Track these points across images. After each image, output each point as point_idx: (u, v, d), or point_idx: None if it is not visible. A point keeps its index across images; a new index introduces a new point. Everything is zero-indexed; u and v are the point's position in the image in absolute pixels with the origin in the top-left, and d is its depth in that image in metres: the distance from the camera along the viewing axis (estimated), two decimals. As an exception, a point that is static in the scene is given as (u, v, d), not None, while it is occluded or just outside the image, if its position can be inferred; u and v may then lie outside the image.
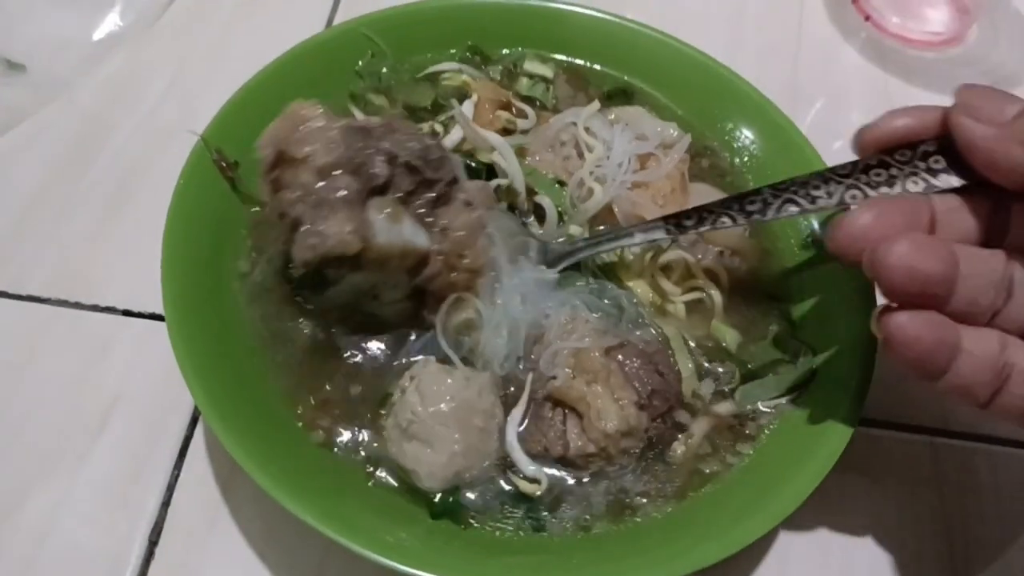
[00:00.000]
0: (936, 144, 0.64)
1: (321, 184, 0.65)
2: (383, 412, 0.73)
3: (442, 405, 0.68)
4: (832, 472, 0.79)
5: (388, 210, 0.67)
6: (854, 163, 0.67)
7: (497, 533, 0.68)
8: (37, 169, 0.96)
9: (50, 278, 0.88)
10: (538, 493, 0.69)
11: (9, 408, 0.79)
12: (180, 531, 0.74)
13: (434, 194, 0.70)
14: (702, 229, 0.72)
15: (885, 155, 0.66)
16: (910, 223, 0.60)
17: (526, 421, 0.72)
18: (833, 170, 0.68)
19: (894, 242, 0.55)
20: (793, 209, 0.68)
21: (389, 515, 0.67)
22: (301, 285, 0.73)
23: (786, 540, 0.77)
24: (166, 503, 0.75)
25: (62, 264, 0.89)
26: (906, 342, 0.56)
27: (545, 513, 0.69)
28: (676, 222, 0.73)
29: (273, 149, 0.67)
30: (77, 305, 0.86)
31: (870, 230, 0.58)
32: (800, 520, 0.77)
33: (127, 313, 0.86)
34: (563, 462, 0.71)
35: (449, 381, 0.70)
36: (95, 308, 0.86)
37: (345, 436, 0.72)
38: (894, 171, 0.65)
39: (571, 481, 0.71)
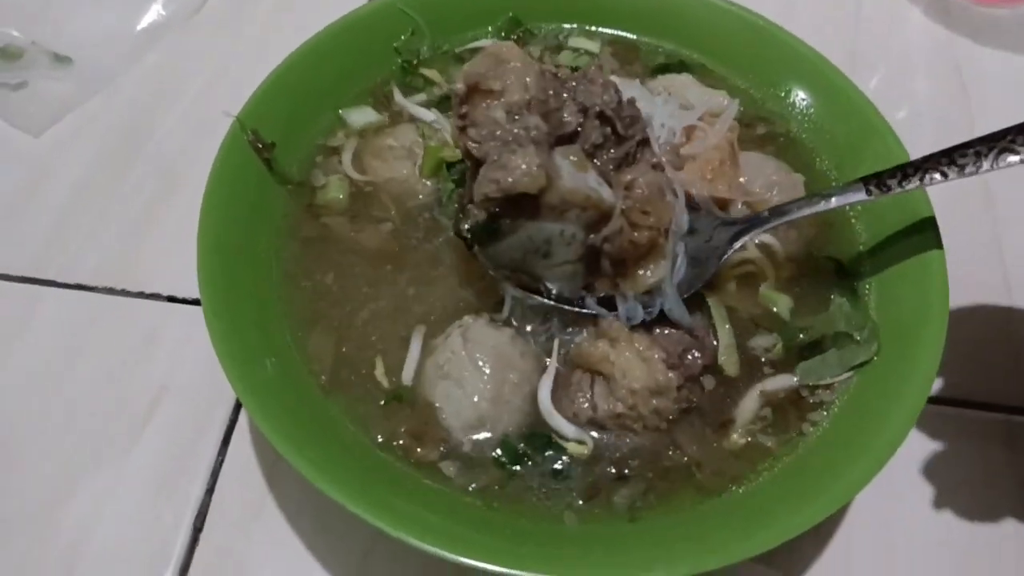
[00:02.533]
0: None
1: (510, 124, 0.63)
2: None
3: (482, 352, 0.69)
4: (900, 453, 0.76)
5: (574, 158, 0.64)
6: None
7: (542, 521, 0.65)
8: (84, 160, 0.97)
9: (97, 267, 0.88)
10: (586, 453, 0.68)
11: (59, 397, 0.80)
12: (225, 518, 0.74)
13: (623, 152, 0.66)
14: (909, 187, 0.67)
15: None
16: None
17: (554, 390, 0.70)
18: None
19: None
20: (1013, 158, 0.63)
21: (431, 502, 0.65)
22: (475, 235, 0.67)
23: (854, 521, 0.74)
24: (210, 490, 0.75)
25: (109, 253, 0.90)
26: None
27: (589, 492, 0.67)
28: (878, 182, 0.68)
29: (467, 82, 0.65)
30: (124, 292, 0.87)
31: None
32: (869, 501, 0.74)
33: (172, 299, 0.86)
34: (594, 425, 0.69)
35: (496, 334, 0.70)
36: (141, 295, 0.86)
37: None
38: None
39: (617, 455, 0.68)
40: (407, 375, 0.71)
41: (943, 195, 0.93)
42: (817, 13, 1.12)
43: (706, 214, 0.74)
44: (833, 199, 0.70)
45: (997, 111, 1.02)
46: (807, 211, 0.71)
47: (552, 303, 0.70)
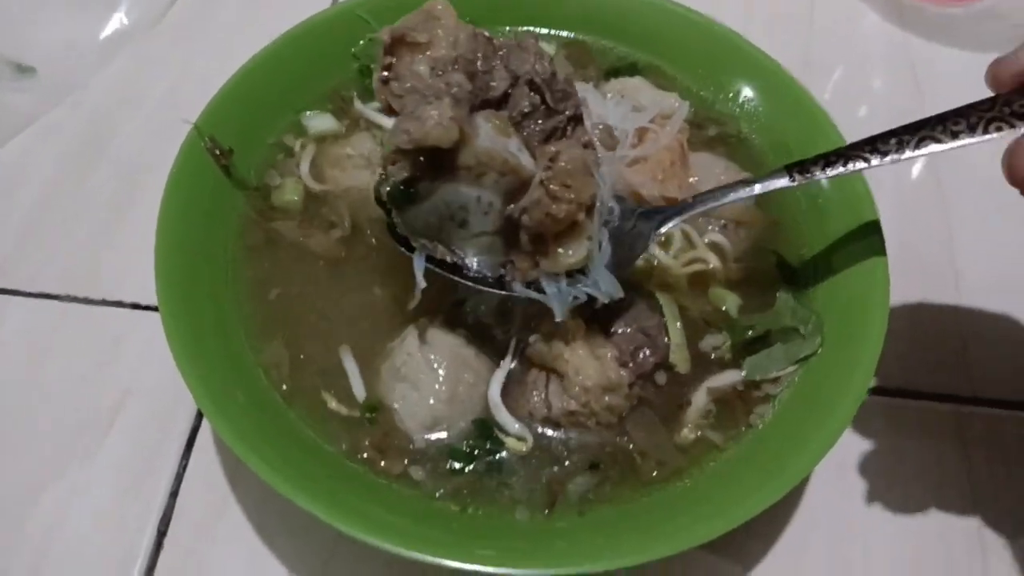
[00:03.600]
0: None
1: (433, 79, 0.61)
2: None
3: (438, 353, 0.70)
4: (854, 443, 0.78)
5: (496, 122, 0.62)
6: (992, 98, 0.63)
7: (495, 517, 0.67)
8: (47, 169, 0.98)
9: (62, 275, 0.89)
10: (524, 450, 0.69)
11: (25, 403, 0.81)
12: (188, 521, 0.75)
13: (551, 125, 0.64)
14: (832, 173, 0.68)
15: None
16: None
17: (509, 386, 0.72)
18: (972, 105, 0.64)
19: None
20: (934, 146, 0.65)
21: (389, 501, 0.66)
22: (392, 198, 0.64)
23: (804, 512, 0.76)
24: (174, 493, 0.76)
25: (73, 262, 0.90)
26: None
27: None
28: (800, 168, 0.69)
29: (393, 34, 0.63)
30: (87, 300, 0.87)
31: None
32: (822, 493, 0.76)
33: (135, 306, 0.87)
34: (549, 423, 0.71)
35: (452, 335, 0.72)
36: (104, 302, 0.87)
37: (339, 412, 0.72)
38: None
39: (564, 449, 0.70)
40: (358, 392, 0.72)
41: (895, 191, 0.95)
42: (774, 15, 1.14)
43: (630, 204, 0.74)
44: (756, 185, 0.71)
45: (950, 106, 1.04)
46: (731, 197, 0.71)
47: (470, 283, 0.68)
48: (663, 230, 0.72)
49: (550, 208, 0.62)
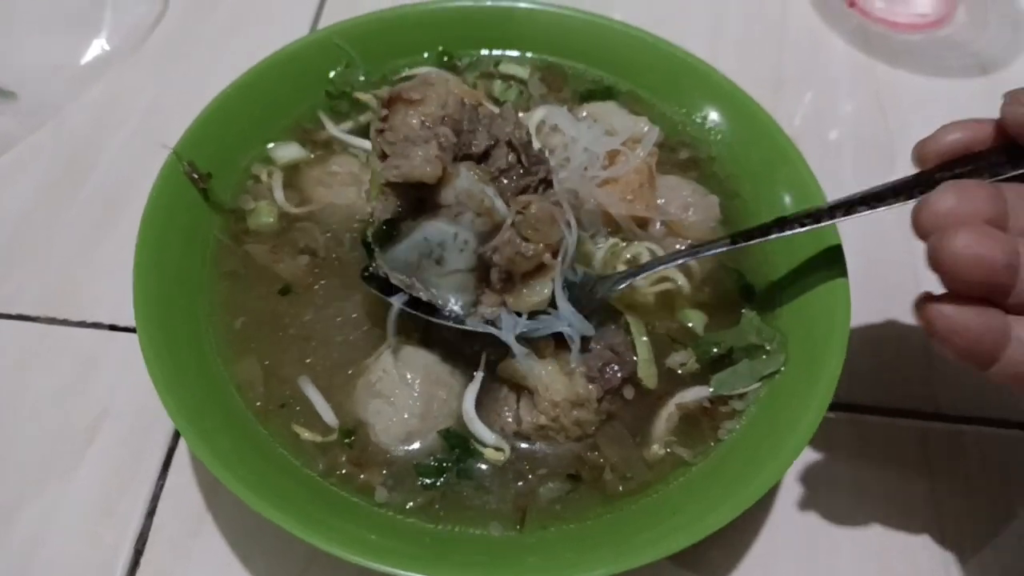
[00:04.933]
0: (997, 153, 0.65)
1: (422, 130, 0.69)
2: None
3: (413, 370, 0.72)
4: (820, 458, 0.80)
5: (477, 173, 0.69)
6: (917, 175, 0.68)
7: (467, 532, 0.68)
8: (26, 193, 0.98)
9: (40, 297, 0.90)
10: (502, 459, 0.71)
11: (2, 423, 0.81)
12: (165, 540, 0.75)
13: (525, 183, 0.70)
14: (772, 237, 0.73)
15: (946, 168, 0.66)
16: (992, 203, 0.58)
17: (481, 402, 0.74)
18: (898, 182, 0.68)
19: (959, 230, 0.54)
20: (865, 210, 0.69)
21: (362, 517, 0.67)
22: (376, 236, 0.70)
23: (772, 528, 0.77)
24: (151, 512, 0.76)
25: (51, 283, 0.91)
26: (953, 330, 0.56)
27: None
28: (746, 237, 0.74)
29: (391, 92, 0.71)
30: (65, 322, 0.88)
31: (953, 211, 0.56)
32: (787, 507, 0.78)
33: (113, 328, 0.88)
34: (519, 437, 0.73)
35: (426, 353, 0.74)
36: (82, 324, 0.88)
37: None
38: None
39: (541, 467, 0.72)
40: (328, 419, 0.73)
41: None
42: (744, 42, 1.17)
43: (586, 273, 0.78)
44: (702, 252, 0.76)
45: (913, 129, 1.07)
46: (677, 262, 0.77)
47: (435, 320, 0.72)
48: (620, 287, 0.77)
49: (520, 247, 0.68)
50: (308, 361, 0.76)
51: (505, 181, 0.70)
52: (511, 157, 0.69)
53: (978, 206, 0.57)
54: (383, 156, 0.69)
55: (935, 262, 0.56)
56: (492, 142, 0.69)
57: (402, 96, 0.71)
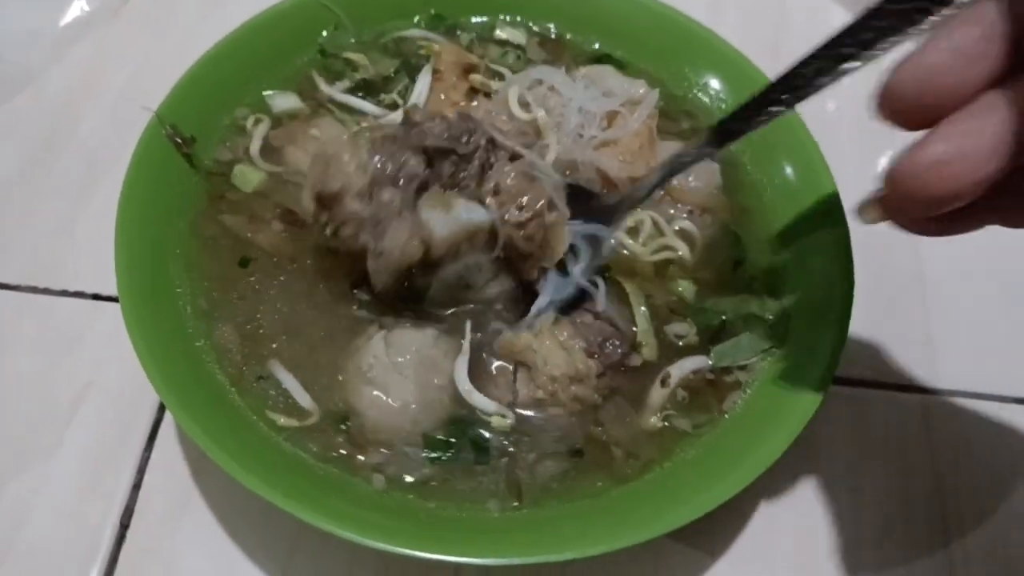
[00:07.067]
0: None
1: (368, 206, 0.67)
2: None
3: (406, 355, 0.69)
4: (820, 433, 0.78)
5: (439, 203, 0.68)
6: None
7: (464, 510, 0.66)
8: (7, 160, 0.95)
9: (22, 266, 0.87)
10: (508, 424, 0.69)
11: (-17, 396, 0.79)
12: (151, 514, 0.74)
13: (476, 166, 0.70)
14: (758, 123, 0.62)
15: None
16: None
17: (475, 378, 0.71)
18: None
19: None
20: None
21: (352, 492, 0.66)
22: (402, 300, 0.72)
23: (773, 502, 0.76)
24: (137, 486, 0.75)
25: (33, 252, 0.89)
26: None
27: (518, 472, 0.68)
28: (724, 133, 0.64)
29: (312, 198, 0.69)
30: (47, 291, 0.86)
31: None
32: (788, 482, 0.77)
33: (96, 297, 0.85)
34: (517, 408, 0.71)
35: (417, 336, 0.71)
36: (65, 293, 0.85)
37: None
38: None
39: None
40: (305, 403, 0.70)
41: (859, 184, 0.96)
42: (744, 8, 1.15)
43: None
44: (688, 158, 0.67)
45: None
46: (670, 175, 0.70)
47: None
48: (623, 224, 0.75)
49: (520, 242, 0.69)
50: (284, 338, 0.73)
51: (462, 179, 0.70)
52: (448, 157, 0.69)
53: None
54: (351, 252, 0.69)
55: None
56: (426, 159, 0.69)
57: (324, 196, 0.68)
